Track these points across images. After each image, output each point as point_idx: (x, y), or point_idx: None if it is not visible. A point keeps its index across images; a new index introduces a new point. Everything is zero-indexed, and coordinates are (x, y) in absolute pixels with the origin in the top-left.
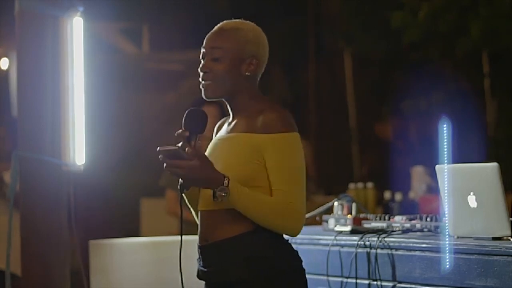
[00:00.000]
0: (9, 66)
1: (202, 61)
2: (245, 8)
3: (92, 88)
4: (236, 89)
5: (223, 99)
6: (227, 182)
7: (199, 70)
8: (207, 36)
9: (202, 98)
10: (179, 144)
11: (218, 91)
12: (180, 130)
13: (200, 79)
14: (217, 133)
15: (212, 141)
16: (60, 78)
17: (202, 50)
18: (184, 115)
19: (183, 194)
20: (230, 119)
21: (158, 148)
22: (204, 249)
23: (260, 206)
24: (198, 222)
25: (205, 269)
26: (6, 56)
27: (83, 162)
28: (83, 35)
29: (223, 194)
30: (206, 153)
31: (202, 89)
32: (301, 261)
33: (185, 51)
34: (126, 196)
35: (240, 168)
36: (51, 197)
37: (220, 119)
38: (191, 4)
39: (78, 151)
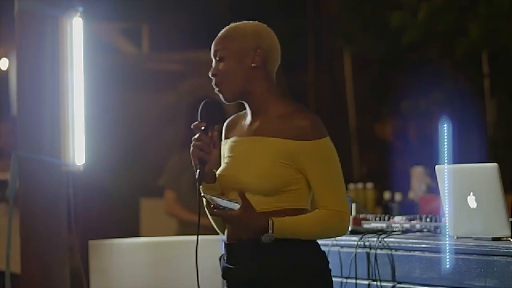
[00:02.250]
0: (9, 66)
1: None
2: (244, 8)
3: (91, 88)
4: (249, 85)
5: (243, 101)
6: (271, 225)
7: (209, 76)
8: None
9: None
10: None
11: (232, 90)
12: (196, 122)
13: (213, 85)
14: (227, 131)
15: (233, 140)
16: (59, 78)
17: (212, 58)
18: (200, 107)
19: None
20: (249, 119)
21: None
22: (232, 247)
23: (309, 230)
24: (210, 218)
25: (232, 266)
26: (6, 56)
27: (83, 162)
28: (82, 35)
29: (268, 240)
30: (228, 153)
31: (219, 94)
32: (328, 261)
33: (184, 51)
34: (126, 196)
35: (276, 174)
36: (51, 197)
37: None
38: (191, 4)
39: (77, 151)
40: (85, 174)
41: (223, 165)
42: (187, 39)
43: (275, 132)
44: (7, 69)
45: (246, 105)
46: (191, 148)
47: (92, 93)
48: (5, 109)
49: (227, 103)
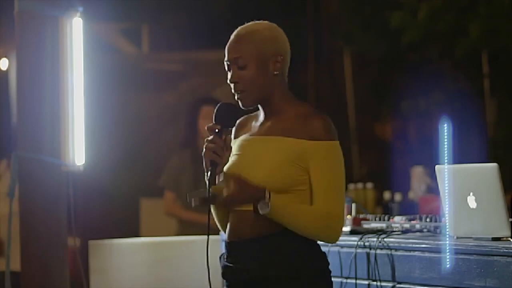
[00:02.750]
0: (9, 66)
1: (229, 73)
2: (244, 9)
3: (91, 88)
4: (269, 91)
5: (259, 105)
6: (268, 196)
7: (228, 82)
8: (226, 48)
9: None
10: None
11: (254, 98)
12: (211, 124)
13: (233, 91)
14: (236, 132)
15: (243, 139)
16: (59, 78)
17: (226, 63)
18: (216, 109)
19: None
20: (261, 120)
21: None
22: (234, 246)
23: (301, 218)
24: (216, 218)
25: (233, 265)
26: (6, 56)
27: (83, 162)
28: (82, 35)
29: (265, 208)
30: (237, 151)
31: (239, 101)
32: (328, 262)
33: (184, 51)
34: (126, 196)
35: (286, 173)
36: (51, 197)
37: None
38: (191, 4)
39: (77, 151)
40: (85, 174)
41: (230, 162)
42: (187, 39)
43: (288, 132)
44: (7, 69)
45: (260, 107)
46: (204, 150)
47: (92, 93)
48: (5, 109)
49: (244, 108)
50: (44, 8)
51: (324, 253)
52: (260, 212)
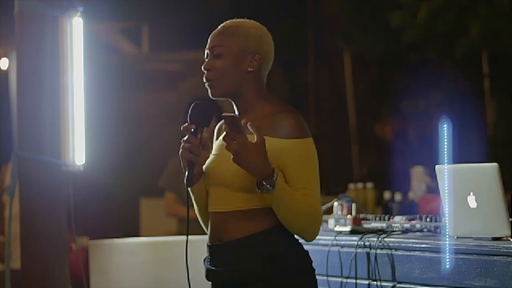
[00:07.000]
0: (9, 66)
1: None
2: (244, 8)
3: (91, 88)
4: (240, 86)
5: (230, 99)
6: (276, 176)
7: (202, 68)
8: (210, 36)
9: (202, 98)
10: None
11: (222, 88)
12: (186, 124)
13: (204, 78)
14: (218, 133)
15: (221, 139)
16: (59, 78)
17: (206, 51)
18: (190, 109)
19: (188, 189)
20: None
21: (223, 114)
22: (216, 249)
23: (295, 206)
24: (200, 219)
25: (216, 269)
26: (6, 56)
27: (83, 162)
28: (82, 35)
29: (269, 187)
30: (214, 152)
31: (208, 88)
32: (312, 261)
33: (184, 51)
34: (126, 196)
35: None
36: (51, 197)
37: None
38: (191, 4)
39: (77, 151)
40: (85, 174)
41: (206, 162)
42: (187, 39)
43: (261, 130)
44: (7, 69)
45: (234, 104)
46: (180, 150)
47: (92, 93)
48: (5, 109)
49: (212, 98)
50: (44, 8)
51: (306, 251)
52: (263, 191)
